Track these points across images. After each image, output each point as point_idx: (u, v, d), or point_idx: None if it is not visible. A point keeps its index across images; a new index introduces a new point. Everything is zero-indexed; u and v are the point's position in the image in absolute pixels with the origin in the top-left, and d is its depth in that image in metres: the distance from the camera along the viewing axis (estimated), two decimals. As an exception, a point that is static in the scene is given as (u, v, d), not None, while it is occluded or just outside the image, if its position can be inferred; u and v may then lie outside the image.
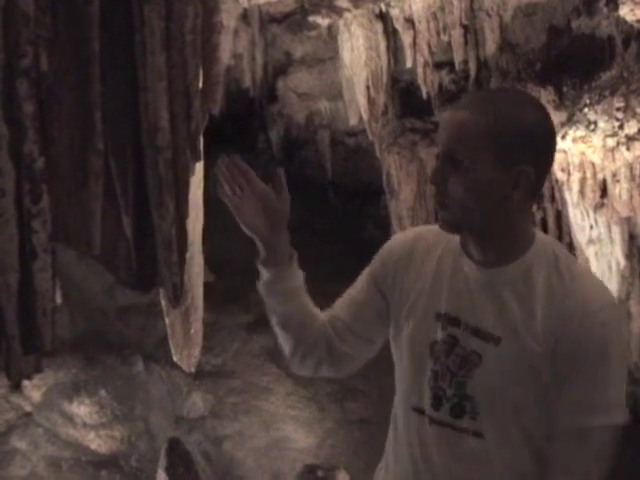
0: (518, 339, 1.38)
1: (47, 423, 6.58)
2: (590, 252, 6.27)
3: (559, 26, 6.83)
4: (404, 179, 7.70)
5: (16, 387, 6.58)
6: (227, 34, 6.80)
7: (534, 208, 6.14)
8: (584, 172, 5.92)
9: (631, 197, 5.79)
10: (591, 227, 6.19)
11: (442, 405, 1.45)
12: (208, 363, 7.17)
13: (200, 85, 2.32)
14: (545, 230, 6.67)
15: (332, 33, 7.62)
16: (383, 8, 6.90)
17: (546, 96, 6.30)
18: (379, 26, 7.17)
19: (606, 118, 5.81)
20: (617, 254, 6.21)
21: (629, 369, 6.26)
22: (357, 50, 7.25)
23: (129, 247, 2.36)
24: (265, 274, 1.54)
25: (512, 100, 1.41)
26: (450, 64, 7.32)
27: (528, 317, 1.38)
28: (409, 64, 7.07)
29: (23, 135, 1.98)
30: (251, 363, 7.53)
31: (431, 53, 6.99)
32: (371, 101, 7.46)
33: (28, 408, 6.65)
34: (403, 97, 8.09)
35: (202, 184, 2.78)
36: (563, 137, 5.86)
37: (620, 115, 5.77)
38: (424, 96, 7.33)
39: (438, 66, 7.41)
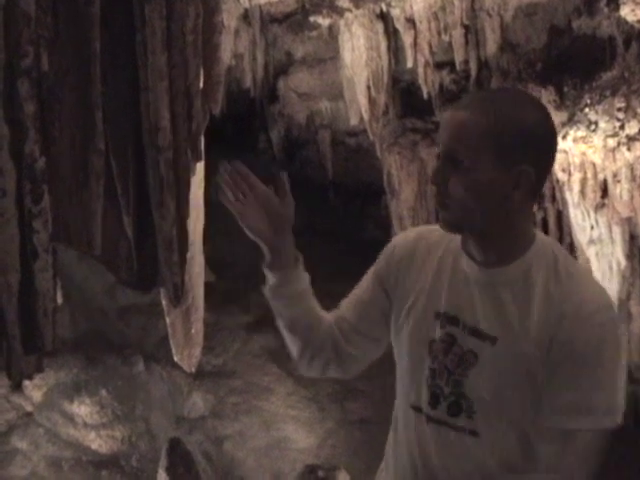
0: (514, 340, 1.39)
1: (48, 423, 6.57)
2: (591, 252, 6.27)
3: (560, 26, 6.83)
4: (405, 179, 7.71)
5: (17, 387, 6.58)
6: (228, 34, 6.81)
7: (535, 208, 6.13)
8: (585, 172, 5.92)
9: (632, 197, 5.79)
10: (592, 227, 6.19)
11: (439, 403, 1.45)
12: (209, 363, 7.17)
13: (201, 85, 2.33)
14: (546, 230, 6.67)
15: (333, 33, 7.62)
16: (384, 8, 6.90)
17: (547, 96, 6.30)
18: (380, 26, 7.18)
19: (607, 118, 5.81)
20: (618, 254, 6.21)
21: (629, 369, 6.26)
22: (358, 50, 7.26)
23: (130, 247, 2.36)
24: (271, 278, 1.54)
25: (513, 100, 1.41)
26: (451, 64, 7.32)
27: (525, 318, 1.39)
28: (410, 64, 7.08)
29: (24, 135, 1.98)
30: (252, 363, 7.53)
31: (432, 53, 7.00)
32: (372, 101, 7.46)
33: (29, 408, 6.65)
34: (404, 97, 8.09)
35: (203, 184, 2.78)
36: (564, 137, 5.86)
37: (621, 115, 5.77)
38: (425, 96, 7.34)
39: (439, 66, 7.42)
